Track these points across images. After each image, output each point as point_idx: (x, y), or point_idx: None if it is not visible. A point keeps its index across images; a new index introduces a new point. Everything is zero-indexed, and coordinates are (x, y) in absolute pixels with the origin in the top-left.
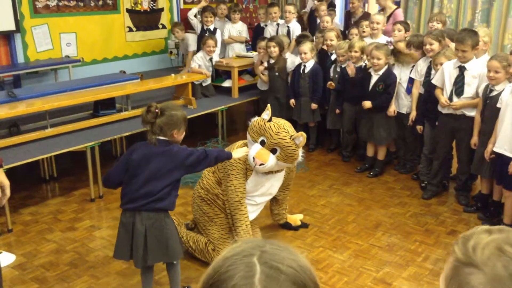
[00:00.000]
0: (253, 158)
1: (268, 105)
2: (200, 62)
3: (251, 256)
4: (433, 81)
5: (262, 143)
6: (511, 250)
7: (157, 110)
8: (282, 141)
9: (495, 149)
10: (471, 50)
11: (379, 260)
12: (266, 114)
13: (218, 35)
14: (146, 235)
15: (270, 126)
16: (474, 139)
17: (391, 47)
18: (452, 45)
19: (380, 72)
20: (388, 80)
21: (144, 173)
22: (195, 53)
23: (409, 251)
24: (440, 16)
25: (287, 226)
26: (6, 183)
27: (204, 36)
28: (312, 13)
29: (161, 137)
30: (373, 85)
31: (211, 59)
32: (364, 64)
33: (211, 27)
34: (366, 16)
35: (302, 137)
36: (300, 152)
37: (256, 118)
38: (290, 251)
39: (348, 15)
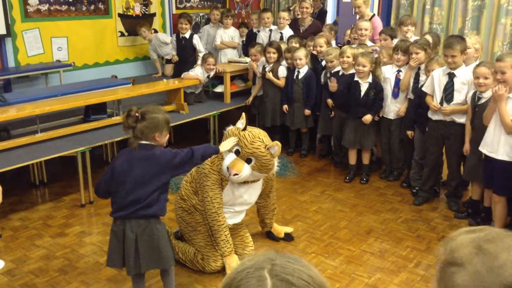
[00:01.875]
0: (227, 168)
1: (243, 113)
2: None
3: (262, 270)
4: (423, 89)
5: (237, 152)
6: (489, 247)
7: (137, 114)
8: (257, 151)
9: (486, 153)
10: (460, 55)
11: (371, 266)
12: (241, 123)
13: (196, 40)
14: (137, 242)
15: (245, 135)
16: (466, 146)
17: (376, 55)
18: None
19: (369, 80)
20: (378, 86)
21: (129, 179)
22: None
23: (400, 257)
24: (412, 20)
25: (270, 235)
26: None
27: (180, 44)
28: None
29: (143, 142)
30: (365, 93)
31: (208, 76)
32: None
33: (187, 35)
34: (315, 26)
35: (277, 146)
36: (276, 161)
37: (231, 127)
38: (301, 263)
39: (296, 24)
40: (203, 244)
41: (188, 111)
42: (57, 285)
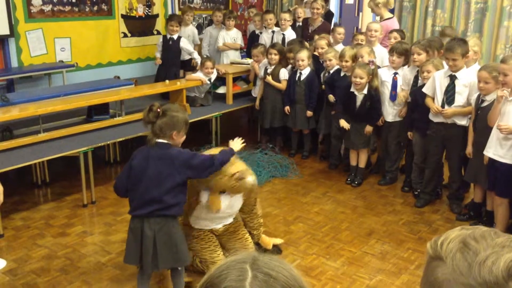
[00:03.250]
0: (206, 207)
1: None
2: None
3: (243, 263)
4: (424, 90)
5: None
6: (473, 243)
7: (159, 110)
8: (224, 185)
9: (489, 155)
10: (461, 59)
11: (372, 268)
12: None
13: (183, 43)
14: (155, 240)
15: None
16: (469, 149)
17: (373, 67)
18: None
19: (364, 91)
20: (373, 97)
21: (146, 177)
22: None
23: (402, 259)
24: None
25: (257, 245)
26: (0, 188)
27: (167, 45)
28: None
29: (160, 140)
30: (361, 104)
31: (209, 79)
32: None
33: (175, 36)
34: (324, 26)
35: (238, 173)
36: (251, 179)
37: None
38: (282, 262)
39: (306, 24)
40: (198, 247)
41: (190, 112)
42: (59, 284)
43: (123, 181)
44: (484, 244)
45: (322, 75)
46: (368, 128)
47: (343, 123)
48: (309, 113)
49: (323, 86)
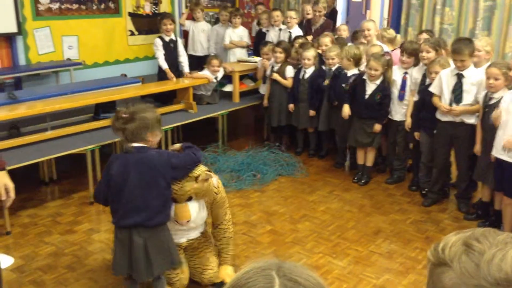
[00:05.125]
0: (176, 221)
1: None
2: None
3: (269, 270)
4: (430, 89)
5: (174, 200)
6: (476, 244)
7: (126, 115)
8: (192, 190)
9: (496, 155)
10: (469, 59)
11: (379, 267)
12: None
13: (181, 48)
14: (147, 248)
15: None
16: (477, 147)
17: (388, 58)
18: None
19: (378, 82)
20: (386, 91)
21: (128, 185)
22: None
23: (409, 258)
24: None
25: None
26: (10, 185)
27: (168, 48)
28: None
29: (136, 144)
30: (371, 94)
31: (216, 78)
32: (357, 73)
33: (174, 38)
34: (327, 24)
35: (202, 174)
36: (215, 180)
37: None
38: (306, 268)
39: (308, 23)
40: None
41: (196, 110)
42: (66, 281)
43: (101, 190)
44: (487, 243)
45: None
46: (377, 127)
47: (346, 109)
48: (312, 112)
49: (326, 81)
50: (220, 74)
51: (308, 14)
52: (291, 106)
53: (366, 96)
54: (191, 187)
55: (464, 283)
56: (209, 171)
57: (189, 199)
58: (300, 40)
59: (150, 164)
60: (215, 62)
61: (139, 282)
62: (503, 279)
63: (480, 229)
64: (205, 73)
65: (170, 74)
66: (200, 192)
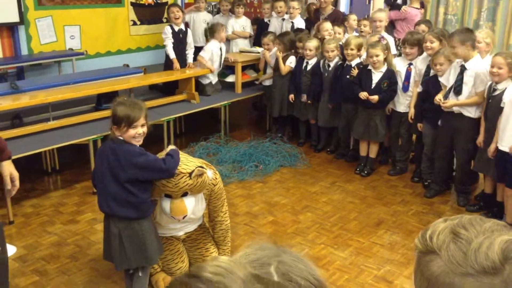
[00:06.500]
0: (171, 216)
1: None
2: (209, 55)
3: (268, 266)
4: (440, 79)
5: (168, 196)
6: (464, 232)
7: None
8: (186, 186)
9: (500, 147)
10: (460, 46)
11: (381, 258)
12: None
13: (190, 39)
14: (121, 238)
15: (167, 181)
16: (480, 138)
17: (385, 42)
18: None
19: (383, 70)
20: (393, 77)
21: (101, 172)
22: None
23: (410, 249)
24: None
25: None
26: (16, 174)
27: (178, 38)
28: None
29: (115, 135)
30: (377, 82)
31: (221, 48)
32: (360, 62)
33: (183, 27)
34: (335, 14)
35: (196, 169)
36: (210, 173)
37: None
38: (305, 262)
39: (316, 13)
40: (162, 256)
41: (199, 100)
42: (68, 271)
43: (93, 174)
44: (474, 231)
45: (321, 64)
46: (375, 97)
47: (363, 94)
48: (305, 97)
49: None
50: (223, 46)
51: (314, 5)
52: (291, 96)
53: (373, 85)
54: (185, 183)
55: (452, 271)
56: (202, 166)
57: (185, 194)
58: (300, 34)
59: (117, 156)
60: (221, 30)
61: (118, 270)
62: (490, 267)
63: (467, 216)
64: (212, 46)
65: (176, 64)
66: (195, 187)
